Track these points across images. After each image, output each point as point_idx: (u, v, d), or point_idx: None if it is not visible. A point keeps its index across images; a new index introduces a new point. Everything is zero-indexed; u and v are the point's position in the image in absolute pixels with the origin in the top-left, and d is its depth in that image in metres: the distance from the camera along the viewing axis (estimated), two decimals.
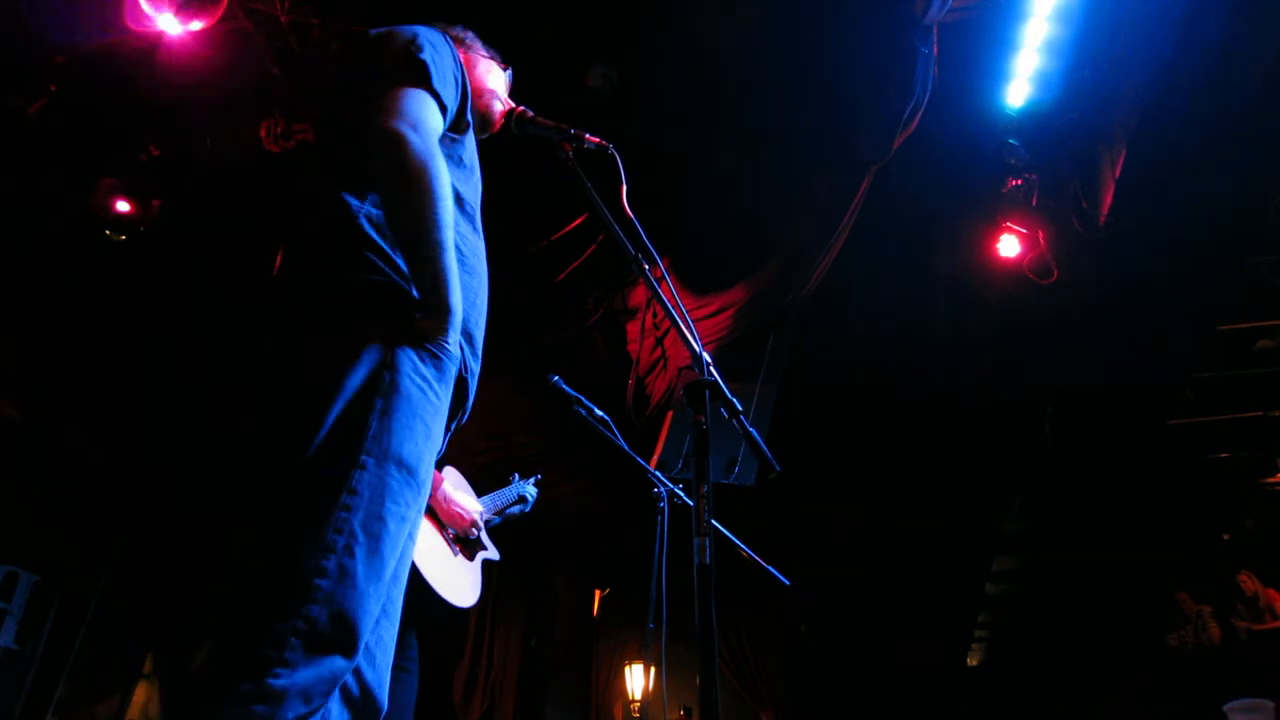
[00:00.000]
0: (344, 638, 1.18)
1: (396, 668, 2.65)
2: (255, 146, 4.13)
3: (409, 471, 1.28)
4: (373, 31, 1.61)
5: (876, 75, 3.98)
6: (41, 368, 4.99)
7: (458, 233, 1.51)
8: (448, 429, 1.52)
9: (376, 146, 1.39)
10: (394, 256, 1.36)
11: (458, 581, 2.84)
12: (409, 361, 1.29)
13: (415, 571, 2.62)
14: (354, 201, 1.41)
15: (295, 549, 1.17)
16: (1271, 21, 3.79)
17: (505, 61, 2.02)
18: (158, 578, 5.37)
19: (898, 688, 7.89)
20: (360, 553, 1.20)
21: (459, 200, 1.58)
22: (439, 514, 2.92)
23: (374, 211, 1.42)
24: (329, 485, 1.20)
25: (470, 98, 1.66)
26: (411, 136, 1.39)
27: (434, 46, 1.54)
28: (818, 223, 4.58)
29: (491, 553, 3.12)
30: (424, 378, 1.31)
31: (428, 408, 1.32)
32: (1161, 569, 7.62)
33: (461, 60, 1.66)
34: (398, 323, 1.31)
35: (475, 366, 1.52)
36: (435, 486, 2.89)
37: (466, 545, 3.00)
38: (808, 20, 3.96)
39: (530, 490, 3.32)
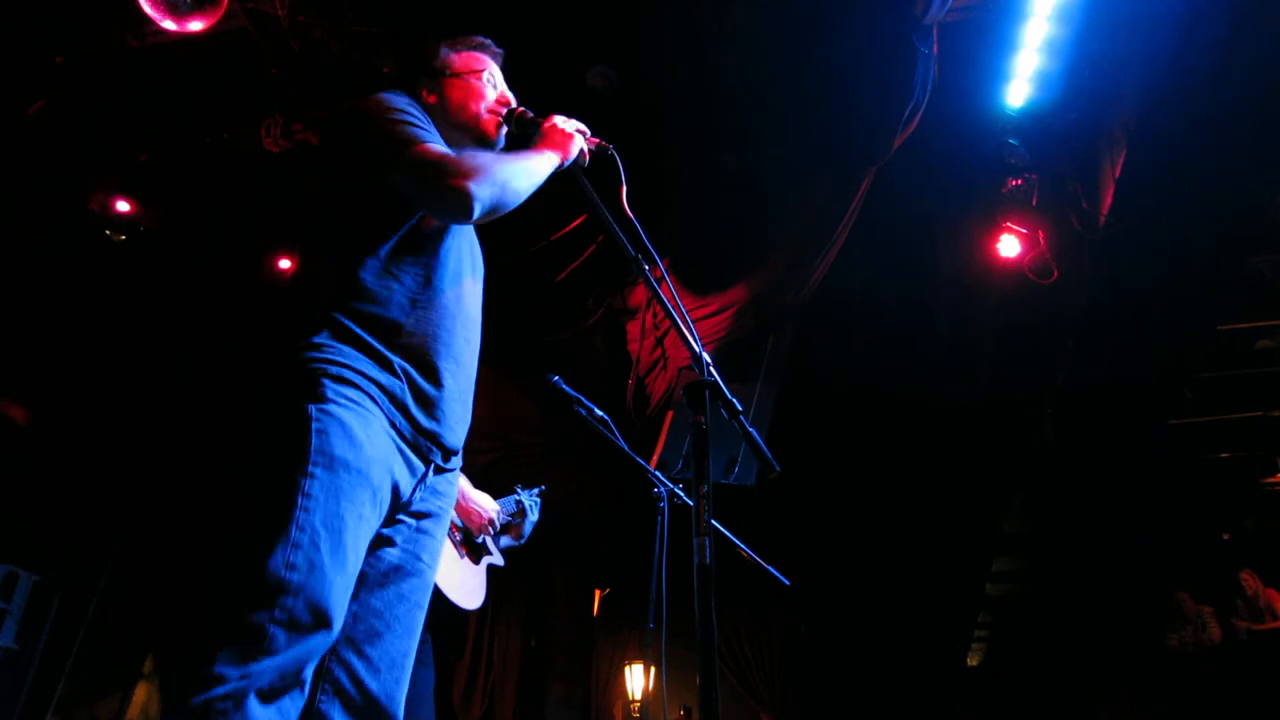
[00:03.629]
0: (318, 621, 1.35)
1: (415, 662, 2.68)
2: (255, 146, 4.13)
3: (358, 474, 1.45)
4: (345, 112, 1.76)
5: (876, 75, 3.98)
6: (41, 368, 4.98)
7: (440, 294, 1.68)
8: (427, 469, 1.65)
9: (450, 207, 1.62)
10: (353, 326, 1.56)
11: (463, 584, 2.84)
12: (331, 388, 1.47)
13: None
14: (327, 277, 1.61)
15: (268, 548, 1.34)
16: (1270, 21, 3.79)
17: (486, 42, 2.02)
18: (158, 577, 5.37)
19: (897, 688, 7.89)
20: (325, 546, 1.37)
21: (454, 271, 1.75)
22: (455, 512, 2.93)
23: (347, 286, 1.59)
24: (285, 491, 1.38)
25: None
26: (464, 184, 1.58)
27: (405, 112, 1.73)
28: (818, 223, 4.58)
29: (496, 558, 3.12)
30: (349, 399, 1.49)
31: (361, 420, 1.48)
32: (1161, 569, 7.62)
33: (425, 115, 1.76)
34: (324, 355, 1.50)
35: (448, 415, 1.66)
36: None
37: (473, 549, 3.00)
38: (808, 20, 3.96)
39: (531, 500, 3.27)
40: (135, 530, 5.37)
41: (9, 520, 4.70)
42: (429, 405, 1.61)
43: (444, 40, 1.97)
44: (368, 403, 1.51)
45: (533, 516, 3.23)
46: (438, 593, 2.66)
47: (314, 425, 1.42)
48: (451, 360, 1.67)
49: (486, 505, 2.98)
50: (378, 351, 1.56)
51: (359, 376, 1.51)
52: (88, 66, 3.98)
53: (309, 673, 1.36)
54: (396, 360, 1.57)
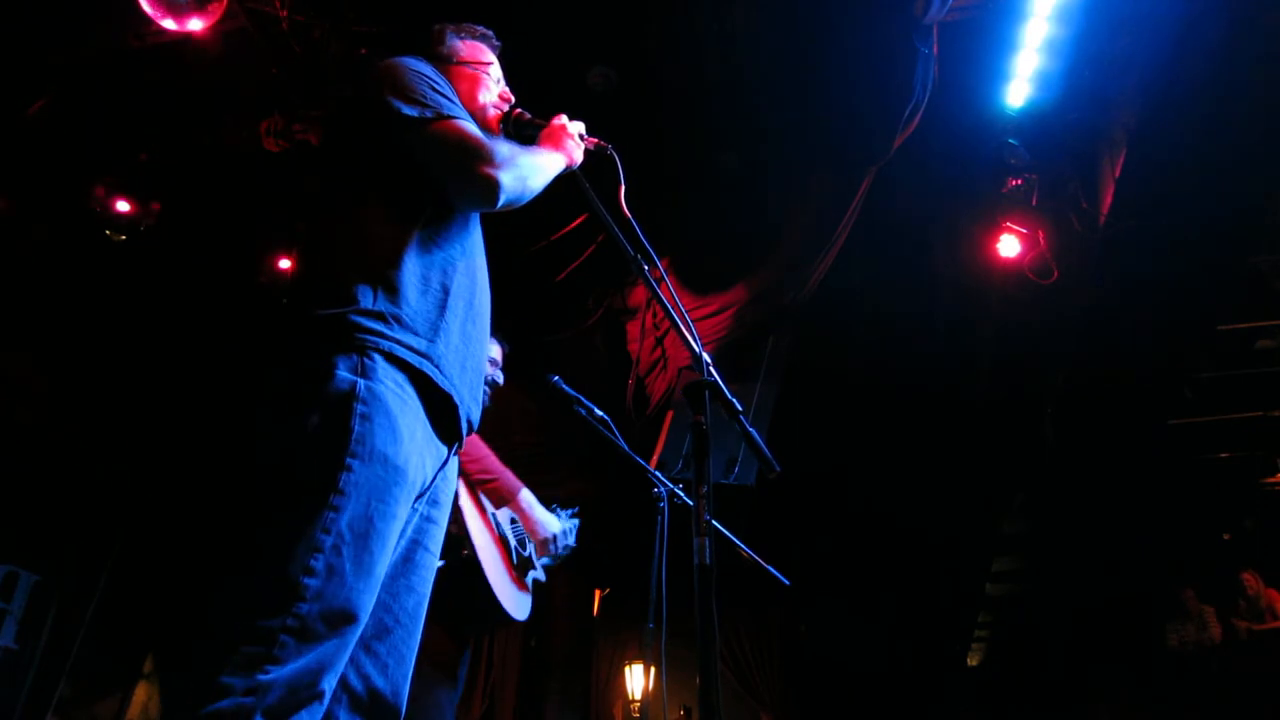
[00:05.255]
0: (335, 630, 1.26)
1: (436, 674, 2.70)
2: (255, 146, 4.13)
3: (396, 470, 1.36)
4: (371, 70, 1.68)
5: (877, 75, 3.98)
6: (41, 368, 4.98)
7: (460, 275, 1.62)
8: (450, 452, 1.60)
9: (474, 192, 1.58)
10: (375, 292, 1.45)
11: (515, 596, 2.87)
12: (379, 368, 1.38)
13: (482, 574, 2.67)
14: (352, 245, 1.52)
15: (286, 550, 1.24)
16: (1270, 21, 3.79)
17: (502, 55, 2.03)
18: (158, 577, 5.37)
19: (897, 688, 7.89)
20: (348, 551, 1.28)
21: (468, 251, 1.69)
22: (523, 523, 2.95)
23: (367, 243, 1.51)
24: (317, 488, 1.28)
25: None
26: (493, 173, 1.54)
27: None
28: (818, 222, 4.58)
29: (539, 572, 3.12)
30: (396, 382, 1.40)
31: (404, 409, 1.40)
32: (1161, 569, 7.62)
33: (450, 84, 1.72)
34: (363, 335, 1.39)
35: (465, 395, 1.59)
36: (514, 494, 2.91)
37: (520, 562, 3.00)
38: (808, 20, 3.96)
39: (568, 523, 3.21)
40: (135, 530, 5.36)
41: (9, 520, 4.70)
42: (461, 390, 1.56)
43: (449, 25, 1.97)
44: (410, 387, 1.43)
45: (566, 540, 3.18)
46: (498, 603, 2.70)
47: (358, 409, 1.32)
48: (476, 345, 1.64)
49: (551, 524, 2.99)
50: (418, 335, 1.47)
51: (405, 351, 1.42)
52: (88, 66, 3.98)
53: (328, 684, 1.26)
54: (435, 344, 1.50)
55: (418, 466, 1.43)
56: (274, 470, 1.33)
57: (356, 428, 1.31)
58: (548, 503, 3.32)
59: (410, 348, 1.44)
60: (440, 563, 2.59)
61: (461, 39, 1.96)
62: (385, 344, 1.40)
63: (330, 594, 1.25)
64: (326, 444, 1.30)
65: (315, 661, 1.23)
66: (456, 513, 2.71)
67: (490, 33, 2.02)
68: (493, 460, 2.88)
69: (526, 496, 2.94)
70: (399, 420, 1.37)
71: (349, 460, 1.29)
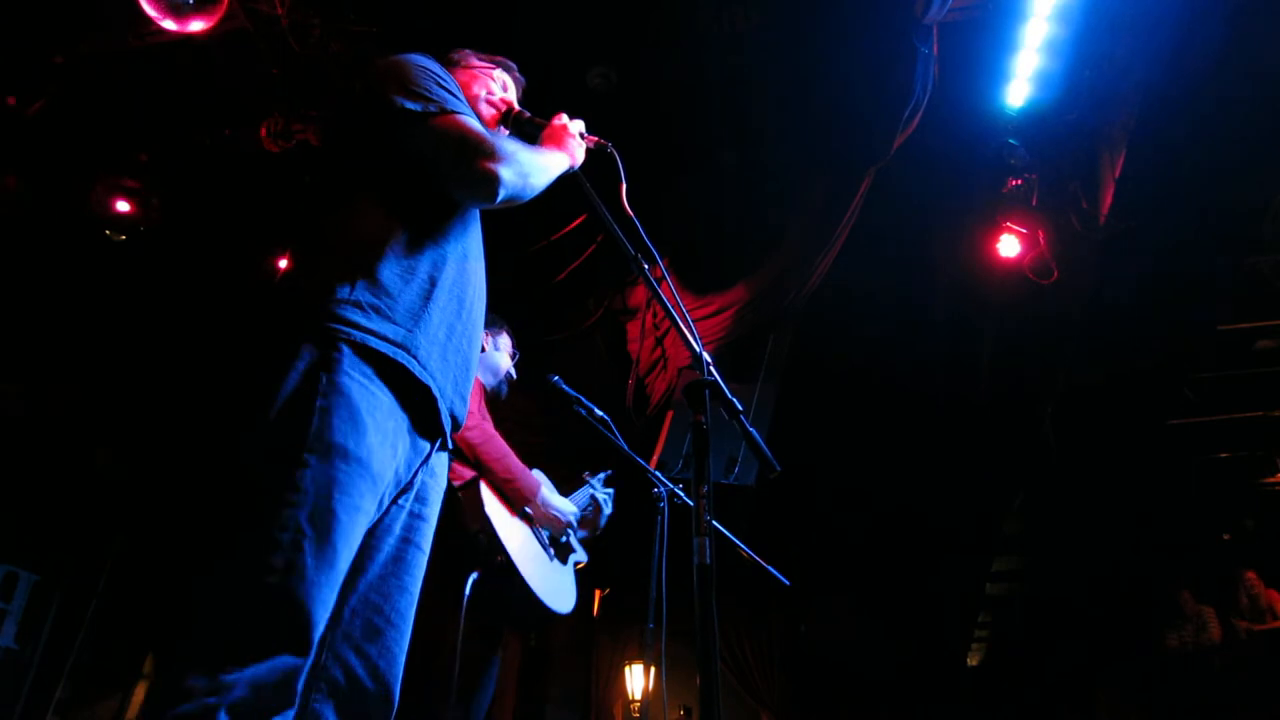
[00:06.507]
0: (296, 630, 1.24)
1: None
2: (255, 146, 4.13)
3: (358, 463, 1.33)
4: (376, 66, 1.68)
5: (876, 75, 3.98)
6: (41, 368, 4.99)
7: (451, 271, 1.62)
8: (433, 447, 1.59)
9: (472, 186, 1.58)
10: (356, 283, 1.45)
11: (557, 586, 2.85)
12: (345, 360, 1.36)
13: (520, 577, 2.64)
14: (334, 232, 1.53)
15: (246, 547, 1.24)
16: (1270, 21, 3.79)
17: (510, 64, 2.05)
18: (158, 577, 5.37)
19: (897, 687, 7.89)
20: (309, 546, 1.25)
21: (463, 249, 1.68)
22: (534, 516, 2.91)
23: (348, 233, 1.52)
24: (274, 484, 1.27)
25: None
26: (493, 167, 1.54)
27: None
28: (818, 223, 4.58)
29: (580, 554, 3.09)
30: (364, 374, 1.38)
31: (370, 402, 1.38)
32: (1162, 569, 7.62)
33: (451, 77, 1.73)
34: (334, 325, 1.38)
35: (448, 389, 1.57)
36: (533, 494, 2.87)
37: (559, 549, 2.98)
38: (808, 20, 3.96)
39: (603, 494, 3.19)
40: (135, 530, 5.37)
41: (9, 520, 4.70)
42: (441, 383, 1.54)
43: (475, 49, 2.01)
44: (379, 380, 1.41)
45: (607, 510, 3.17)
46: (536, 598, 2.67)
47: (318, 402, 1.31)
48: (462, 340, 1.62)
49: (564, 509, 2.96)
50: (395, 324, 1.46)
51: (379, 341, 1.40)
52: (88, 66, 3.99)
53: (299, 685, 1.25)
54: (414, 335, 1.48)
55: (385, 460, 1.41)
56: (235, 465, 1.32)
57: (315, 421, 1.30)
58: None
59: (384, 337, 1.42)
60: (474, 574, 2.58)
61: (479, 57, 2.00)
62: (357, 335, 1.39)
63: (291, 591, 1.23)
64: (284, 438, 1.29)
65: (282, 662, 1.21)
66: (485, 520, 2.67)
67: (514, 65, 2.05)
68: (513, 460, 2.84)
69: (543, 494, 2.92)
70: (362, 412, 1.35)
71: (306, 455, 1.28)
